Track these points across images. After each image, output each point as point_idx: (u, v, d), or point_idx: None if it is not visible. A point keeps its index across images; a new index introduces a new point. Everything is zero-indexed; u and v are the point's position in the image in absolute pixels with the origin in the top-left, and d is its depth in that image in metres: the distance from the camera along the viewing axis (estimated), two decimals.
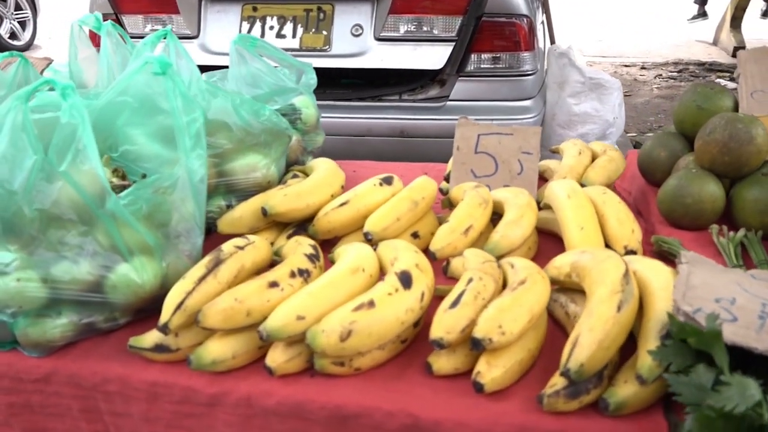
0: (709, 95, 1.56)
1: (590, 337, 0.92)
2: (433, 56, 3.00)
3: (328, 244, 1.39)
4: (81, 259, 1.10)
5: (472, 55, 2.98)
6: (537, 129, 1.58)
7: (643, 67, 7.55)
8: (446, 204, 1.53)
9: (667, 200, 1.42)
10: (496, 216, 1.39)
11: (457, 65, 2.99)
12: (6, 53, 1.51)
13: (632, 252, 1.26)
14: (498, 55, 2.99)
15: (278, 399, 1.02)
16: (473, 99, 3.01)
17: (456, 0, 2.92)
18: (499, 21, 2.94)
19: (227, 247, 1.15)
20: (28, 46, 8.58)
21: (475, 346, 0.97)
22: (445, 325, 1.01)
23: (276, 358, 1.04)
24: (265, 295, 1.06)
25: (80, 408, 1.14)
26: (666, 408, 0.94)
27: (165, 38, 1.49)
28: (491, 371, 0.98)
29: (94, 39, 1.70)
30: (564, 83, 3.40)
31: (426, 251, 1.25)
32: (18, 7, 8.54)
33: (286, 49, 1.90)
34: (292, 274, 1.11)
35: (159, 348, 1.09)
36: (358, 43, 3.04)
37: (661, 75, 7.19)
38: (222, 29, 3.14)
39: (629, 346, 0.98)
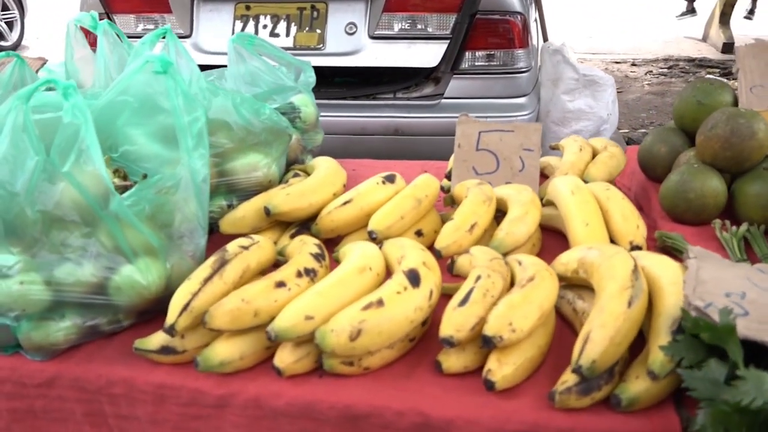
0: (709, 91, 1.56)
1: (602, 333, 0.92)
2: (427, 54, 3.00)
3: (330, 243, 1.38)
4: (84, 260, 1.08)
5: (467, 53, 2.98)
6: (538, 126, 1.57)
7: (633, 64, 7.59)
8: (448, 202, 1.52)
9: (670, 195, 1.42)
10: (499, 213, 1.39)
11: (451, 63, 2.99)
12: (2, 53, 1.49)
13: (638, 248, 1.26)
14: (492, 53, 2.99)
15: (287, 400, 1.01)
16: (468, 96, 3.01)
17: None
18: (493, 18, 2.94)
19: (232, 247, 1.14)
20: (16, 46, 8.48)
21: (485, 344, 0.97)
22: (454, 322, 1.00)
23: (284, 358, 1.03)
24: (273, 296, 1.05)
25: (84, 412, 1.12)
26: (677, 403, 0.94)
27: (164, 37, 1.48)
28: (502, 369, 0.97)
29: (88, 38, 1.69)
30: (558, 80, 3.41)
31: (430, 249, 1.24)
32: (5, 8, 8.45)
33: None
34: (299, 274, 1.10)
35: (165, 350, 1.08)
36: (353, 42, 3.03)
37: (651, 71, 7.23)
38: (215, 28, 3.12)
39: (636, 342, 0.97)
